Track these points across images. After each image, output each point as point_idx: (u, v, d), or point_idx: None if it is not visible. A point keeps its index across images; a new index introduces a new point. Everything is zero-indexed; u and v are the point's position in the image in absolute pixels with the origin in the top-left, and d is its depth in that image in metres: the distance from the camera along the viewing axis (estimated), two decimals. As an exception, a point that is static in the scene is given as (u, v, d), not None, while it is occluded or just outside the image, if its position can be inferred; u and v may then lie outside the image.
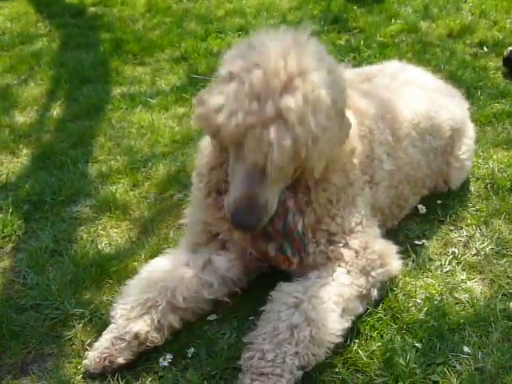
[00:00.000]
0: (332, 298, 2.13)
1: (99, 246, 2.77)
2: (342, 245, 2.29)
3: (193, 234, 2.49)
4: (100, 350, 2.09)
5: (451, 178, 3.07)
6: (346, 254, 2.27)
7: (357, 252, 2.28)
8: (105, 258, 2.67)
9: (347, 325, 2.14)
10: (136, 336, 2.11)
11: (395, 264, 2.42)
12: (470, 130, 3.23)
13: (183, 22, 6.11)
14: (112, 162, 3.52)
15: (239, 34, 5.69)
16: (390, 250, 2.42)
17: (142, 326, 2.13)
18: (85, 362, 2.10)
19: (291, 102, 1.88)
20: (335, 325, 2.08)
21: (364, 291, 2.24)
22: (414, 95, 2.93)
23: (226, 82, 1.99)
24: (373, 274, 2.28)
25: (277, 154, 1.88)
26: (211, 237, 2.43)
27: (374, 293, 2.29)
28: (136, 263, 2.65)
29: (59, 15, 6.47)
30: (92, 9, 6.75)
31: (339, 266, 2.25)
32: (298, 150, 1.92)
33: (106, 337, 2.13)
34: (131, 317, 2.15)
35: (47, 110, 4.28)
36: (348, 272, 2.24)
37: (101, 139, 3.81)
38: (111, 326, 2.17)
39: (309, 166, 2.05)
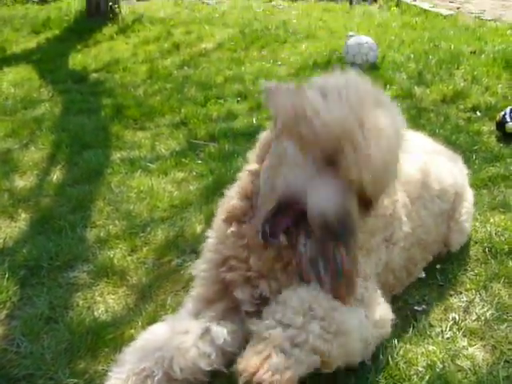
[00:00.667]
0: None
1: (95, 313, 2.74)
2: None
3: (202, 285, 2.45)
4: None
5: (451, 241, 3.08)
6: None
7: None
8: (101, 326, 2.63)
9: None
10: None
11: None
12: (469, 194, 3.27)
13: (183, 88, 6.27)
14: (110, 227, 3.52)
15: (238, 100, 5.82)
16: (388, 315, 2.39)
17: None
18: None
19: (384, 121, 2.06)
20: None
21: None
22: (421, 158, 2.95)
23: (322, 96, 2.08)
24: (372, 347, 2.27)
25: (372, 172, 2.00)
26: (222, 289, 2.40)
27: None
28: (133, 330, 2.61)
29: (62, 81, 6.65)
30: (94, 75, 6.94)
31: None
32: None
33: None
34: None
35: (47, 175, 4.32)
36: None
37: (100, 204, 3.83)
38: None
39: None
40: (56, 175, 4.30)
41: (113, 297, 2.90)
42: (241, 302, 2.37)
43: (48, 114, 5.63)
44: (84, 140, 4.86)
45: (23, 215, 3.72)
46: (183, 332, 2.30)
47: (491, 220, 3.44)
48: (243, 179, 2.44)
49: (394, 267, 2.62)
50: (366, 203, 2.16)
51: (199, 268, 2.53)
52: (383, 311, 2.35)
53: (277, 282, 2.27)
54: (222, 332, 2.31)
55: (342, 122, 2.02)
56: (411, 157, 2.87)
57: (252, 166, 2.41)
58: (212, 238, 2.50)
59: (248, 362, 1.94)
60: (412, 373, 2.33)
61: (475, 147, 4.46)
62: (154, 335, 2.32)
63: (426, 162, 2.92)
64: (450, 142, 4.40)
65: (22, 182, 4.21)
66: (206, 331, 2.31)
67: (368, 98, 2.13)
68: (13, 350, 2.51)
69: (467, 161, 4.14)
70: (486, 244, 3.21)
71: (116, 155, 4.64)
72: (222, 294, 2.41)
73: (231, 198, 2.44)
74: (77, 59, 7.63)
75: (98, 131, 5.11)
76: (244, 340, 2.34)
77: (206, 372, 2.25)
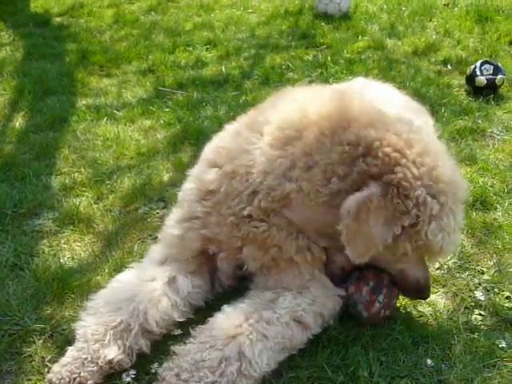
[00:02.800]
0: (273, 334, 2.08)
1: (61, 260, 2.71)
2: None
3: (175, 247, 2.42)
4: (70, 369, 2.04)
5: None
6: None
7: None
8: (67, 272, 2.61)
9: (283, 358, 2.12)
10: (109, 362, 2.07)
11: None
12: None
13: (151, 34, 6.10)
14: (76, 175, 3.46)
15: (207, 48, 5.70)
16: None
17: (116, 352, 2.09)
18: (49, 376, 2.04)
19: None
20: (270, 360, 2.06)
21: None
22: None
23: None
24: (331, 320, 2.29)
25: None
26: (198, 255, 2.40)
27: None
28: (99, 277, 2.60)
29: (23, 25, 6.40)
30: (58, 19, 6.69)
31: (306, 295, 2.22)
32: None
33: (75, 355, 2.08)
34: (105, 342, 2.10)
35: (10, 121, 4.20)
36: (312, 311, 2.20)
37: (65, 151, 3.74)
38: (81, 346, 2.11)
39: None
40: (19, 122, 4.18)
41: (79, 244, 2.87)
42: (221, 273, 2.41)
43: (9, 59, 5.43)
44: (47, 86, 4.72)
45: (-15, 162, 3.62)
46: (150, 279, 2.31)
47: (457, 172, 3.48)
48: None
49: None
50: None
51: (174, 223, 2.47)
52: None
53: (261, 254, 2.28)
54: (187, 284, 2.34)
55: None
56: None
57: None
58: (192, 190, 2.42)
59: None
60: (376, 318, 2.39)
61: (444, 100, 4.47)
62: (122, 283, 2.33)
63: None
64: (420, 95, 4.41)
65: (-17, 129, 4.08)
66: (172, 280, 2.33)
67: None
68: (-23, 297, 2.48)
69: (436, 113, 4.18)
70: (451, 195, 3.25)
71: (81, 102, 4.52)
72: (197, 254, 2.41)
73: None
74: (39, 2, 7.32)
75: (62, 77, 4.96)
76: (210, 295, 2.40)
77: (178, 322, 2.28)
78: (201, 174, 2.40)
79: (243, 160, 2.25)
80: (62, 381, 2.01)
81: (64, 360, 2.08)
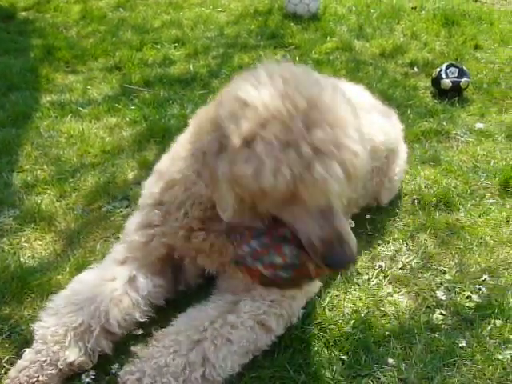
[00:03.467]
0: (237, 339, 2.07)
1: (22, 259, 2.66)
2: None
3: (139, 251, 2.36)
4: (28, 373, 1.98)
5: (382, 197, 3.14)
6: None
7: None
8: (27, 271, 2.56)
9: (247, 361, 2.11)
10: (70, 364, 2.04)
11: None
12: (403, 151, 3.31)
13: (118, 30, 6.02)
14: (38, 172, 3.40)
15: (175, 46, 5.66)
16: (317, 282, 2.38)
17: (76, 354, 2.05)
18: (6, 382, 1.99)
19: (321, 134, 1.78)
20: (234, 364, 2.05)
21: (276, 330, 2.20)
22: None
23: (245, 147, 1.81)
24: (293, 319, 2.27)
25: (337, 187, 1.80)
26: (162, 258, 2.37)
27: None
28: (60, 276, 2.56)
29: (-13, 19, 6.25)
30: (23, 13, 6.56)
31: (264, 297, 2.18)
32: (348, 174, 1.82)
33: (34, 358, 2.03)
34: (65, 343, 2.06)
35: (-30, 117, 4.10)
36: (273, 313, 2.17)
37: (27, 148, 3.67)
38: (40, 348, 2.06)
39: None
40: (-20, 117, 4.08)
41: (40, 243, 2.81)
42: (187, 274, 2.40)
43: (-29, 53, 5.30)
44: (11, 81, 4.62)
45: None
46: (111, 279, 2.28)
47: (421, 173, 3.53)
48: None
49: None
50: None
51: (136, 228, 2.41)
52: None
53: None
54: (147, 283, 2.31)
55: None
56: None
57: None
58: (148, 197, 2.38)
59: None
60: (338, 318, 2.40)
61: (410, 102, 4.53)
62: (82, 283, 2.29)
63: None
64: (387, 96, 4.45)
65: None
66: (133, 279, 2.30)
67: None
68: None
69: (402, 115, 4.22)
70: (415, 196, 3.30)
71: (46, 98, 4.44)
72: (162, 258, 2.38)
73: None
74: (4, -4, 7.18)
75: (26, 73, 4.85)
76: (172, 294, 2.38)
77: (139, 322, 2.26)
78: (150, 185, 2.39)
79: (179, 168, 2.21)
80: None
81: (21, 364, 2.03)
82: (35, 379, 1.97)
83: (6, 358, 2.15)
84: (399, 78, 5.08)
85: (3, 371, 2.09)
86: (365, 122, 2.87)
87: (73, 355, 2.04)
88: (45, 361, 2.01)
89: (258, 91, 1.84)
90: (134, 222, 2.45)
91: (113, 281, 2.28)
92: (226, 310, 2.14)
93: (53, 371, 2.01)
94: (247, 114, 1.80)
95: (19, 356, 2.13)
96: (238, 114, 1.83)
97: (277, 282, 1.96)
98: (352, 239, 1.88)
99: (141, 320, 2.26)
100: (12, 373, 2.01)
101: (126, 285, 2.27)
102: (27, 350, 2.08)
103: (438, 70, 4.75)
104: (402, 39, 5.98)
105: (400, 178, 3.24)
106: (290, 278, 1.94)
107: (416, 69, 5.31)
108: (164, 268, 2.39)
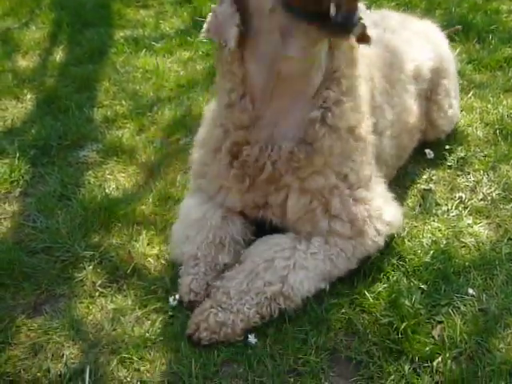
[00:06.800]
0: (312, 266, 2.13)
1: (107, 190, 2.78)
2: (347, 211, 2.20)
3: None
4: (196, 281, 2.17)
5: (434, 121, 2.96)
6: (347, 228, 2.20)
7: (361, 222, 2.21)
8: (113, 202, 2.68)
9: (324, 286, 2.17)
10: (225, 265, 2.23)
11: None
12: (448, 69, 3.05)
13: (187, -37, 5.94)
14: (117, 107, 3.49)
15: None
16: (397, 215, 2.37)
17: (227, 256, 2.24)
18: (182, 292, 2.18)
19: None
20: (310, 287, 2.12)
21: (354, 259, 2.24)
22: (393, 38, 2.78)
23: None
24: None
25: None
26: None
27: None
28: (144, 207, 2.67)
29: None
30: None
31: (336, 243, 2.20)
32: None
33: (194, 271, 2.20)
34: (212, 253, 2.24)
35: (50, 54, 4.22)
36: (343, 257, 2.20)
37: (105, 84, 3.76)
38: (194, 263, 2.22)
39: None
40: (59, 55, 4.19)
41: (123, 175, 2.93)
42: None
43: (46, -9, 5.38)
44: (85, 18, 4.70)
45: (29, 96, 3.68)
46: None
47: (504, 102, 3.38)
48: (224, 73, 2.12)
49: (385, 158, 2.54)
50: None
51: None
52: (392, 211, 2.34)
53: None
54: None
55: None
56: (384, 38, 2.71)
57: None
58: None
59: (192, 320, 2.06)
60: (417, 248, 2.40)
61: (492, 27, 4.27)
62: (192, 208, 2.39)
63: (398, 44, 2.74)
64: (467, 22, 4.24)
65: (24, 62, 4.12)
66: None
67: None
68: (29, 225, 2.58)
69: (483, 41, 4.03)
70: (497, 126, 3.17)
71: (119, 34, 4.50)
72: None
73: (224, 109, 2.18)
74: None
75: (99, 9, 4.92)
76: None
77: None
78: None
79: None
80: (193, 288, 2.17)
81: (187, 278, 2.20)
82: (204, 284, 2.17)
83: (99, 282, 2.28)
84: (480, 2, 4.81)
85: (97, 294, 2.23)
86: (407, 43, 2.78)
87: (227, 257, 2.24)
88: (205, 269, 2.20)
89: None
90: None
91: (211, 202, 2.37)
92: (299, 240, 2.19)
93: (214, 274, 2.20)
94: None
95: (110, 280, 2.28)
96: None
97: None
98: None
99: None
100: (183, 288, 2.18)
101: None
102: (181, 269, 2.26)
103: (524, -9, 4.46)
104: (483, -41, 5.61)
105: (451, 96, 3.02)
106: None
107: (499, -10, 4.99)
108: None
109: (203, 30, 2.06)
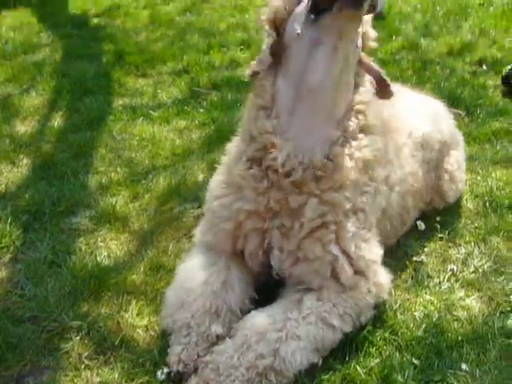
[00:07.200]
0: (304, 334, 2.10)
1: (98, 258, 2.77)
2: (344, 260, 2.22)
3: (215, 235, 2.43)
4: (187, 352, 2.14)
5: (445, 190, 3.06)
6: (345, 279, 2.22)
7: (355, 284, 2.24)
8: (103, 270, 2.66)
9: (316, 360, 2.13)
10: (217, 337, 2.19)
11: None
12: (459, 142, 3.24)
13: (186, 34, 6.15)
14: (112, 174, 3.53)
15: (241, 48, 5.73)
16: (386, 282, 2.38)
17: (221, 327, 2.21)
18: (171, 361, 2.14)
19: None
20: (303, 359, 2.09)
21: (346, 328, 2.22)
22: (403, 107, 2.90)
23: None
24: (362, 318, 2.26)
25: None
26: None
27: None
28: (135, 276, 2.65)
29: (62, 26, 6.51)
30: (95, 20, 6.81)
31: (329, 298, 2.20)
32: None
33: (185, 341, 2.17)
34: (206, 323, 2.20)
35: (48, 120, 4.28)
36: (335, 313, 2.19)
37: (102, 150, 3.81)
38: (186, 332, 2.19)
39: None
40: (57, 121, 4.26)
41: (115, 242, 2.92)
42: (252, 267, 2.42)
43: (48, 59, 5.53)
44: (85, 86, 4.80)
45: (25, 160, 3.71)
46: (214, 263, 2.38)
47: (493, 174, 3.45)
48: (257, 91, 2.35)
49: (391, 214, 2.60)
50: None
51: (206, 237, 2.49)
52: (384, 275, 2.36)
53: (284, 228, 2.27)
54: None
55: None
56: (395, 107, 2.79)
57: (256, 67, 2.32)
58: (222, 196, 2.42)
59: None
60: (409, 322, 2.38)
61: (480, 101, 4.41)
62: (191, 271, 2.39)
63: (404, 111, 2.87)
64: (455, 96, 4.38)
65: (23, 128, 4.18)
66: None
67: None
68: (17, 293, 2.55)
69: (471, 114, 4.15)
70: (486, 198, 3.22)
71: (118, 102, 4.60)
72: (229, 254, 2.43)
73: (247, 144, 2.33)
74: (77, 3, 7.46)
75: (100, 77, 5.04)
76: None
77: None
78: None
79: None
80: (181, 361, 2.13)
81: (176, 348, 2.17)
82: (195, 355, 2.13)
83: (86, 353, 2.23)
84: (467, 77, 4.97)
85: (83, 366, 2.18)
86: (413, 112, 2.91)
87: (220, 328, 2.20)
88: (197, 339, 2.17)
89: None
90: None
91: (215, 265, 2.36)
92: (290, 308, 2.18)
93: (205, 345, 2.16)
94: None
95: (98, 352, 2.23)
96: None
97: None
98: None
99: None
100: (172, 357, 2.14)
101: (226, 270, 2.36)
102: (170, 338, 2.22)
103: (509, 67, 4.65)
104: (469, 37, 5.84)
105: (459, 169, 3.14)
106: None
107: (485, 67, 5.18)
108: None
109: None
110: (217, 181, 2.48)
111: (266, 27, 2.27)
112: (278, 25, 2.27)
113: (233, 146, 2.49)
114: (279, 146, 2.20)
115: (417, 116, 2.96)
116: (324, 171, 2.20)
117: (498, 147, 3.79)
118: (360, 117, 2.28)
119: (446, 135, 3.08)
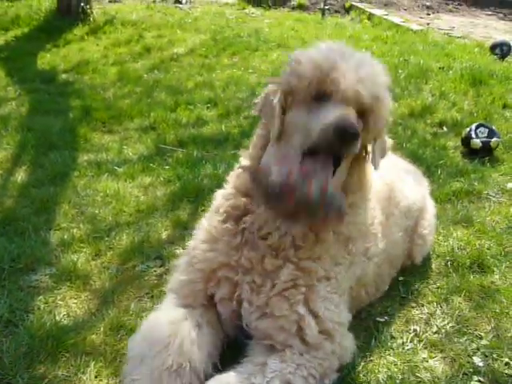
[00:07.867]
0: None
1: (57, 317, 2.69)
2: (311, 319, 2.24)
3: (186, 296, 2.41)
4: None
5: (415, 253, 3.12)
6: (316, 328, 2.23)
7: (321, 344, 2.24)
8: (62, 330, 2.58)
9: None
10: None
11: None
12: (430, 206, 3.32)
13: (153, 92, 6.23)
14: (75, 230, 3.47)
15: (208, 106, 5.82)
16: (350, 346, 2.39)
17: None
18: None
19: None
20: None
21: None
22: (391, 176, 2.93)
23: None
24: (325, 381, 2.24)
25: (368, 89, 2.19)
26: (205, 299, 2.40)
27: None
28: (94, 336, 2.58)
29: (30, 80, 6.55)
30: (63, 75, 6.85)
31: (292, 359, 2.18)
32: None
33: None
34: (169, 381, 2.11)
35: (11, 175, 4.23)
36: (299, 375, 2.15)
37: (65, 206, 3.77)
38: None
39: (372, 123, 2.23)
40: (20, 176, 4.21)
41: (75, 301, 2.85)
42: (222, 315, 2.40)
43: (14, 114, 5.52)
44: (50, 141, 4.79)
45: (-15, 215, 3.63)
46: (183, 319, 2.32)
47: (454, 234, 3.51)
48: (238, 177, 2.43)
49: (366, 282, 2.65)
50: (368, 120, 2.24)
51: (181, 276, 2.48)
52: (350, 339, 2.38)
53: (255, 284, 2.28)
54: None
55: (325, 57, 2.29)
56: (382, 175, 2.85)
57: (246, 162, 2.43)
58: (200, 243, 2.45)
59: None
60: (373, 383, 2.36)
61: (441, 162, 4.54)
62: (157, 325, 2.30)
63: (395, 180, 2.92)
64: (417, 157, 4.48)
65: (-16, 182, 4.11)
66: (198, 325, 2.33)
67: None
68: (-30, 354, 2.45)
69: (432, 175, 4.24)
70: (448, 258, 3.27)
71: (83, 158, 4.58)
72: (202, 301, 2.42)
73: (227, 199, 2.42)
74: (46, 59, 7.53)
75: (65, 132, 5.04)
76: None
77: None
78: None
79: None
80: None
81: None
82: None
83: (40, 418, 2.15)
84: (429, 138, 5.13)
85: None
86: (402, 181, 2.98)
87: None
88: None
89: None
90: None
91: (185, 320, 2.30)
92: (255, 372, 2.13)
93: None
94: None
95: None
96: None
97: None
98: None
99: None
100: None
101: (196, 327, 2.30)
102: None
103: (468, 129, 4.78)
104: (430, 99, 6.05)
105: (430, 233, 3.22)
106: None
107: (445, 128, 5.35)
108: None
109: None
110: (202, 223, 2.54)
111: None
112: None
113: (219, 193, 2.54)
114: (256, 210, 2.26)
115: (406, 185, 3.02)
116: (304, 241, 2.25)
117: (458, 207, 3.87)
118: (349, 195, 2.32)
119: (422, 201, 3.16)
